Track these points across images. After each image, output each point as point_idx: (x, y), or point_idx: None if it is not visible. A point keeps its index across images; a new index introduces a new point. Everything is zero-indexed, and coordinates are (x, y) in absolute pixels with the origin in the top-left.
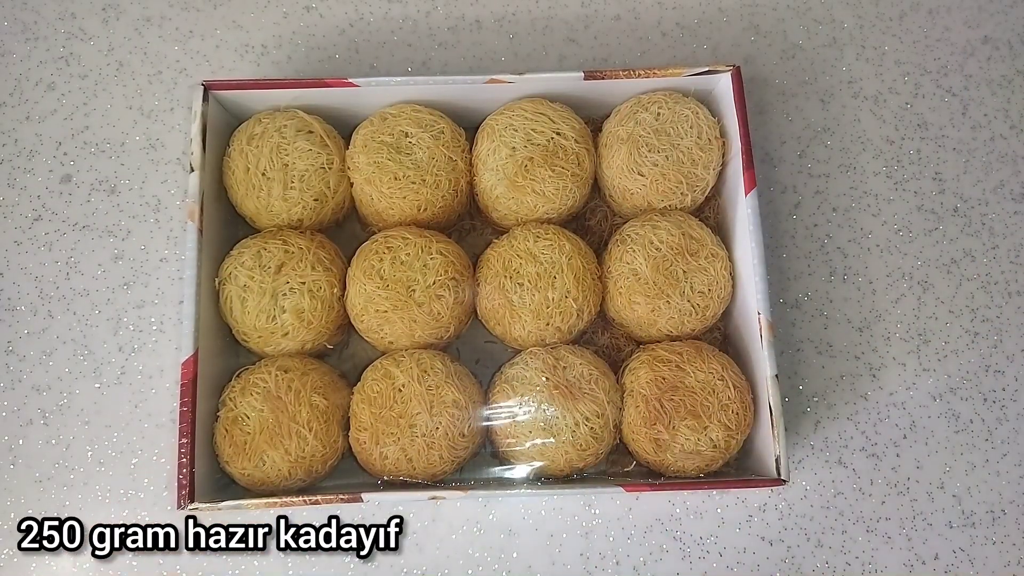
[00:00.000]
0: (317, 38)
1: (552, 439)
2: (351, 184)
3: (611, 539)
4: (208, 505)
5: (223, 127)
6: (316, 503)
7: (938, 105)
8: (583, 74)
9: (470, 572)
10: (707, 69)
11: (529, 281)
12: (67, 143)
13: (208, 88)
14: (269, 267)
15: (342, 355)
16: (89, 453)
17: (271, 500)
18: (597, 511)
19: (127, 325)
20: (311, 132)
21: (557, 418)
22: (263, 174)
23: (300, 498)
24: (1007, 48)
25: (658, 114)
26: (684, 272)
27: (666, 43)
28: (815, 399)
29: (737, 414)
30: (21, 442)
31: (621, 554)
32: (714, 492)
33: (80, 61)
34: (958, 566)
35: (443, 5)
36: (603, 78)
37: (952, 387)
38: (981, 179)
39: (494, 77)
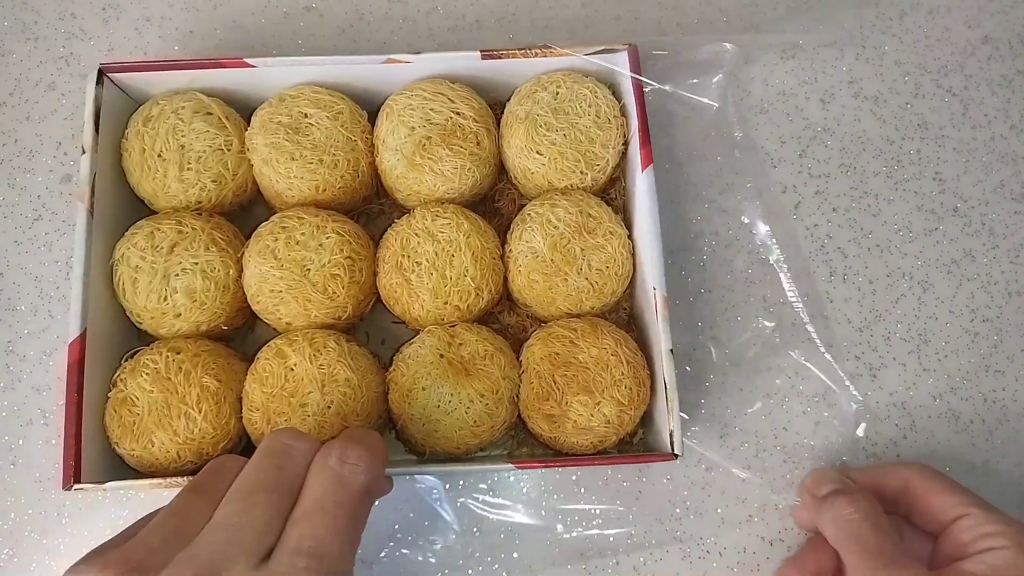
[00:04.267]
0: (317, 38)
1: (446, 416)
2: (252, 166)
3: (611, 539)
4: (93, 485)
5: (123, 112)
6: None
7: (938, 105)
8: (480, 53)
9: (470, 572)
10: (603, 48)
11: (427, 260)
12: (67, 143)
13: (104, 71)
14: (162, 247)
15: (247, 339)
16: None
17: (156, 481)
18: (597, 511)
19: None
20: (209, 114)
21: (450, 395)
22: (159, 155)
23: (186, 478)
24: (1007, 48)
25: (556, 93)
26: (581, 250)
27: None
28: (815, 399)
29: (630, 389)
30: (21, 442)
31: (621, 554)
32: (714, 492)
33: (80, 61)
34: None
35: (443, 5)
36: (500, 58)
37: (952, 387)
38: (981, 179)
39: (392, 57)
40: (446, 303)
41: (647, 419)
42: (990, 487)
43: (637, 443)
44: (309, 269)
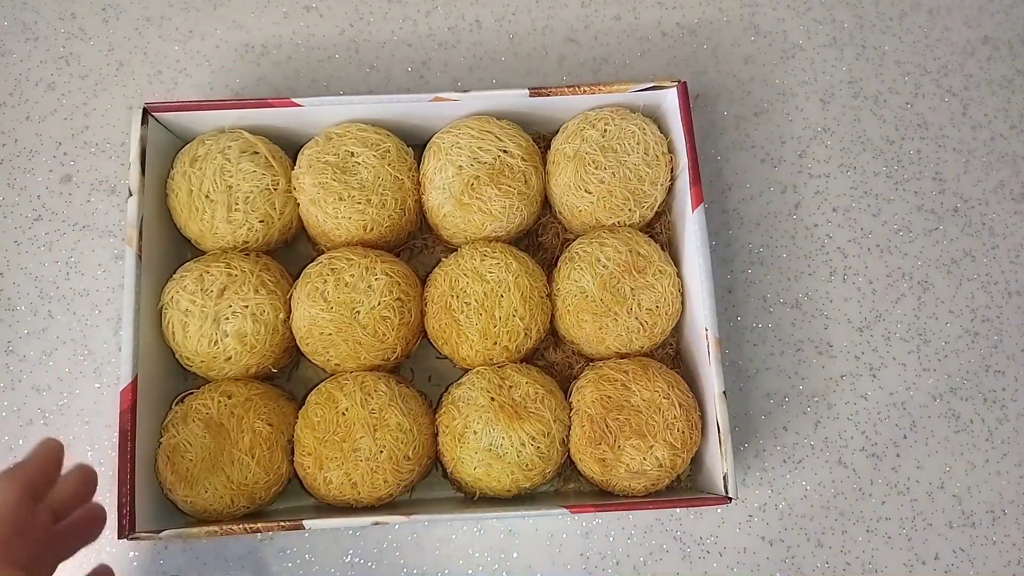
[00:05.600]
0: (317, 38)
1: (498, 459)
2: (298, 205)
3: (611, 539)
4: (148, 534)
5: (168, 148)
6: (256, 531)
7: (938, 105)
8: (528, 91)
9: (470, 572)
10: (652, 85)
11: (476, 300)
12: (67, 143)
13: (149, 111)
14: (211, 291)
15: (292, 376)
16: (89, 453)
17: (210, 528)
18: None
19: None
20: (256, 153)
21: (503, 438)
22: (207, 196)
23: (240, 526)
24: (1007, 48)
25: (604, 131)
26: (631, 289)
27: (666, 43)
28: (815, 399)
29: (683, 432)
30: (21, 442)
31: (621, 554)
32: None
33: (80, 61)
34: (958, 566)
35: (443, 5)
36: (549, 95)
37: (952, 387)
38: (981, 179)
39: (439, 95)
40: (495, 343)
41: (695, 456)
42: (990, 487)
43: (685, 479)
44: (359, 312)
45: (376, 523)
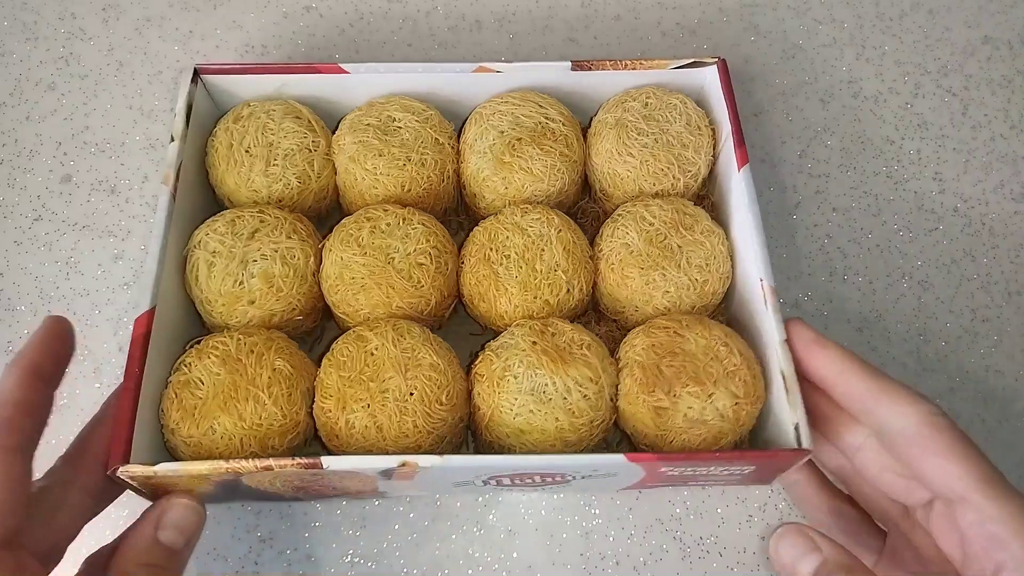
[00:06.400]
0: (317, 38)
1: (541, 404)
2: (335, 171)
3: (611, 539)
4: (142, 468)
5: (209, 115)
6: (268, 468)
7: (938, 105)
8: (571, 64)
9: (470, 572)
10: (692, 61)
11: (516, 252)
12: (67, 143)
13: (199, 72)
14: (242, 233)
15: (313, 349)
16: None
17: (215, 463)
18: (597, 511)
19: (127, 325)
20: (299, 117)
21: (547, 384)
22: (247, 151)
23: (251, 462)
24: (1007, 48)
25: (646, 103)
26: (679, 245)
27: (666, 43)
28: None
29: (746, 382)
30: None
31: (621, 554)
32: (714, 491)
33: (80, 61)
34: None
35: (443, 5)
36: (590, 69)
37: (952, 387)
38: (981, 179)
39: (483, 65)
40: (536, 297)
41: (755, 422)
42: None
43: (745, 441)
44: (394, 257)
45: (403, 464)
